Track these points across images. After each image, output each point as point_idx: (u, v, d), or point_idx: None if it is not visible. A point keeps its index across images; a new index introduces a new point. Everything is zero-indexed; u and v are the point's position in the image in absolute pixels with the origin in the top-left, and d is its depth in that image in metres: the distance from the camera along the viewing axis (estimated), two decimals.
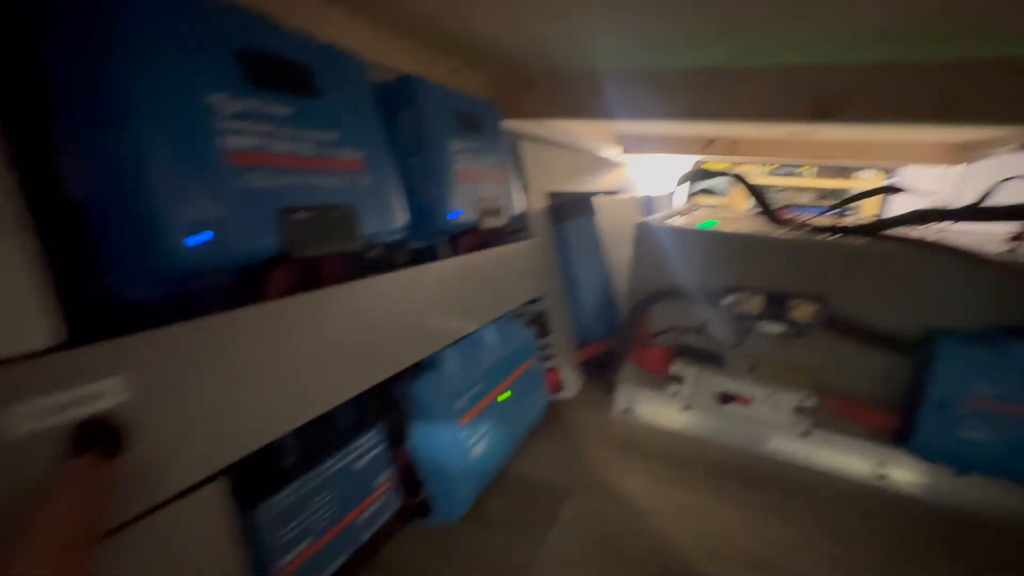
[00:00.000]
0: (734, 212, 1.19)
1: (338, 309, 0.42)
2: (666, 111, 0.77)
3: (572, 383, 0.86)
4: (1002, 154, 1.35)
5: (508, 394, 0.65)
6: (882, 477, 0.68)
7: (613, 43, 0.65)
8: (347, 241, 0.41)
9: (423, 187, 0.56)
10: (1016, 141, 1.25)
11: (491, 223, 0.65)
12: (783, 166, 3.76)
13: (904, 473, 0.68)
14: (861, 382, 0.69)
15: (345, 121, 0.43)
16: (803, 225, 0.77)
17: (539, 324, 0.84)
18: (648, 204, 1.53)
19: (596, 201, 0.92)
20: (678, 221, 0.88)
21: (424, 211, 0.56)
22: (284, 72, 0.38)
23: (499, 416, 0.62)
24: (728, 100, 0.72)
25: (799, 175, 3.81)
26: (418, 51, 0.70)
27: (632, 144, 1.80)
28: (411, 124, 0.56)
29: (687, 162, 2.45)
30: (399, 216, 0.48)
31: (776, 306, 0.69)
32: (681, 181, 0.89)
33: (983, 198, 1.00)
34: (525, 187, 0.82)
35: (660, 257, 0.78)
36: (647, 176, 2.08)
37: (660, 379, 0.81)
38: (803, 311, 0.67)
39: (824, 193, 4.06)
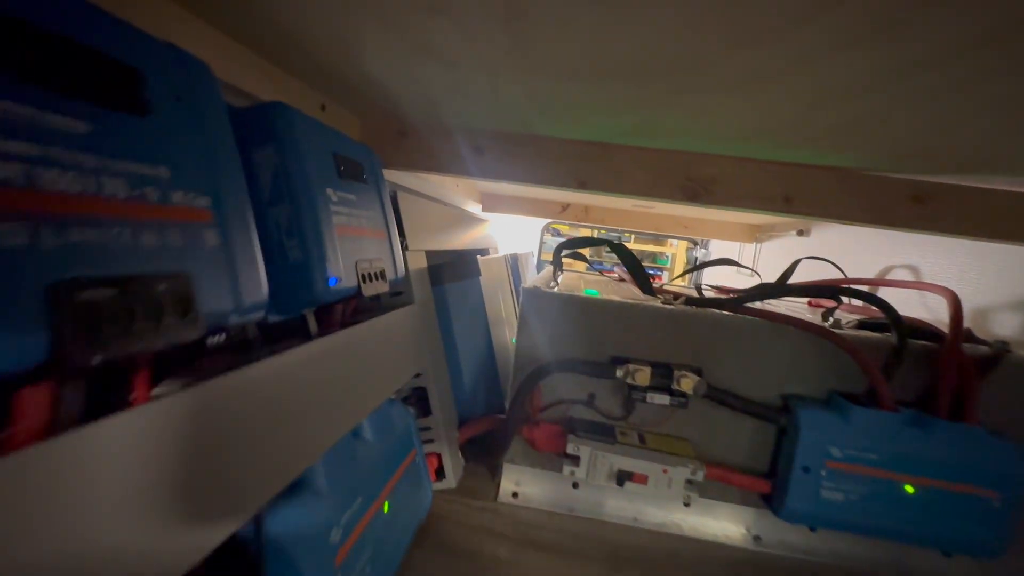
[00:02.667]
0: (581, 275, 1.25)
1: (160, 437, 0.26)
2: (551, 178, 0.76)
3: (454, 469, 0.75)
4: (783, 237, 1.69)
5: (387, 507, 0.52)
6: (757, 538, 0.71)
7: (503, 102, 0.62)
8: (178, 329, 0.27)
9: (292, 246, 0.43)
10: (794, 227, 1.57)
11: (373, 289, 0.54)
12: (611, 231, 4.30)
13: (772, 533, 0.71)
14: (733, 448, 0.73)
15: (186, 153, 0.29)
16: (676, 296, 0.81)
17: (418, 402, 0.73)
18: (514, 263, 1.53)
19: (480, 261, 0.86)
20: (557, 287, 0.87)
21: (292, 277, 0.43)
22: (86, 67, 0.24)
23: (381, 535, 0.49)
24: (612, 175, 0.74)
25: (627, 239, 4.36)
26: (282, 77, 0.57)
27: (492, 202, 1.83)
28: (278, 164, 0.43)
29: (541, 224, 2.59)
30: (259, 286, 0.34)
31: (662, 377, 0.70)
32: (565, 247, 0.89)
33: (789, 274, 1.21)
34: (405, 245, 0.72)
35: (550, 326, 0.75)
36: (507, 234, 2.13)
37: (550, 458, 0.75)
38: (687, 382, 0.68)
39: (642, 255, 4.72)
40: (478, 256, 0.86)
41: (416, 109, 0.71)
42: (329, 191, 0.47)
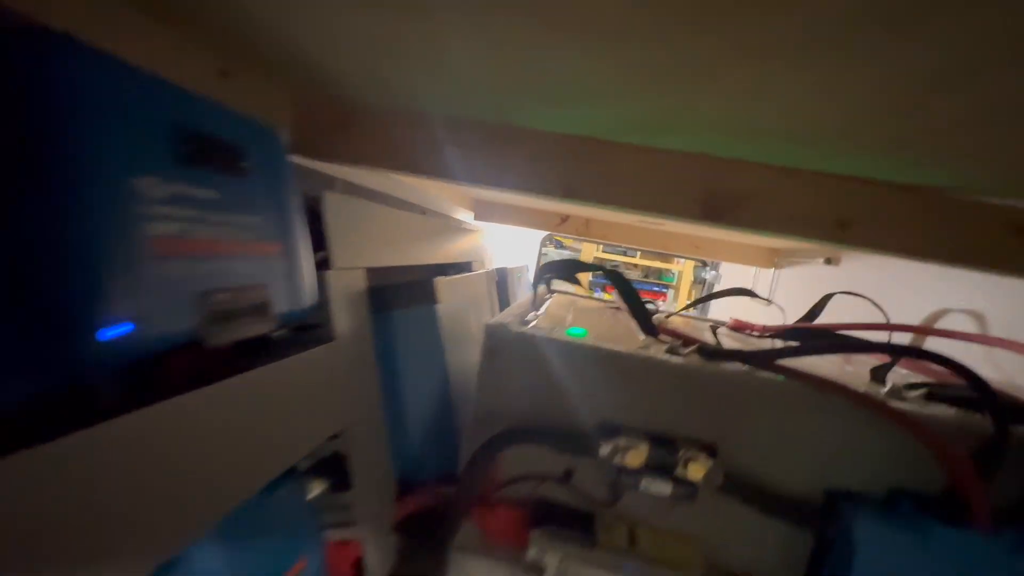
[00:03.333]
0: (574, 300, 1.05)
1: None
2: (533, 183, 0.58)
3: (381, 561, 0.57)
4: (807, 264, 1.51)
5: None
6: None
7: (475, 79, 0.44)
8: None
9: (35, 275, 0.25)
10: (821, 254, 1.38)
11: (237, 331, 0.36)
12: (612, 247, 4.10)
13: None
14: (756, 557, 0.54)
15: None
16: (685, 341, 0.63)
17: (333, 472, 0.54)
18: (502, 279, 1.36)
19: (439, 284, 0.69)
20: (537, 321, 0.69)
21: (28, 334, 0.25)
22: None
23: None
24: (609, 182, 0.56)
25: (634, 254, 4.19)
26: (134, 17, 0.40)
27: (485, 211, 1.66)
28: (21, 130, 0.25)
29: (539, 236, 2.42)
30: None
31: (663, 456, 0.52)
32: (547, 271, 0.71)
33: (818, 311, 1.02)
34: (329, 261, 0.55)
35: (517, 377, 0.57)
36: (501, 245, 1.95)
37: (509, 552, 0.56)
38: (697, 468, 0.50)
39: (647, 271, 4.54)
40: (436, 278, 0.69)
41: (364, 87, 0.54)
42: (148, 182, 0.30)
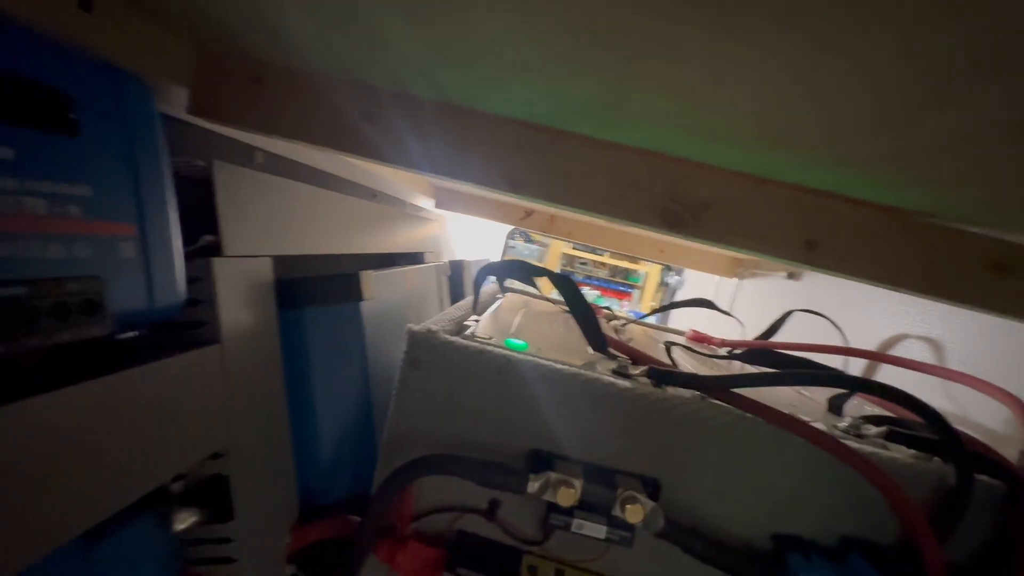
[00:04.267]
0: (527, 301, 0.98)
1: None
2: (471, 171, 0.50)
3: None
4: (769, 276, 1.49)
5: None
6: None
7: (392, 45, 0.36)
8: None
9: None
10: (784, 268, 1.36)
11: (30, 339, 0.27)
12: (579, 246, 4.08)
13: None
14: None
15: None
16: (634, 358, 0.57)
17: (209, 499, 0.46)
18: (456, 273, 1.27)
19: (366, 277, 0.60)
20: (477, 327, 0.61)
21: None
22: None
23: None
24: (561, 177, 0.49)
25: (601, 252, 4.17)
26: None
27: (446, 199, 1.56)
28: None
29: (505, 229, 2.33)
30: None
31: (600, 493, 0.45)
32: (488, 272, 0.63)
33: (777, 327, 0.99)
34: (219, 246, 0.45)
35: (441, 395, 0.49)
36: (464, 236, 1.86)
37: None
38: (635, 511, 0.44)
39: (615, 271, 4.54)
40: (363, 271, 0.60)
41: (259, 38, 0.44)
42: None
